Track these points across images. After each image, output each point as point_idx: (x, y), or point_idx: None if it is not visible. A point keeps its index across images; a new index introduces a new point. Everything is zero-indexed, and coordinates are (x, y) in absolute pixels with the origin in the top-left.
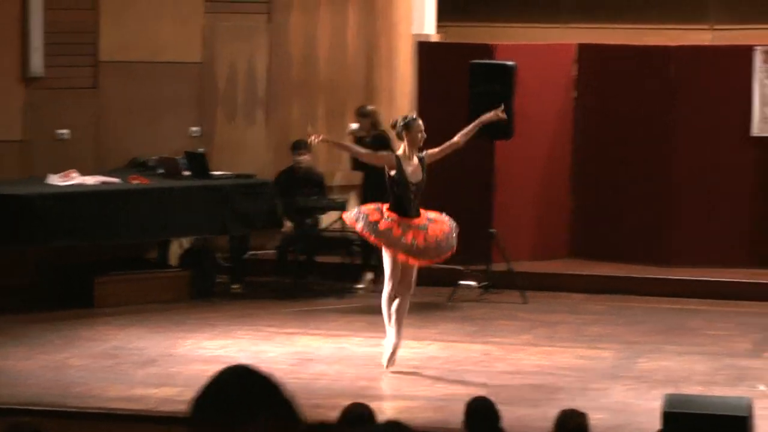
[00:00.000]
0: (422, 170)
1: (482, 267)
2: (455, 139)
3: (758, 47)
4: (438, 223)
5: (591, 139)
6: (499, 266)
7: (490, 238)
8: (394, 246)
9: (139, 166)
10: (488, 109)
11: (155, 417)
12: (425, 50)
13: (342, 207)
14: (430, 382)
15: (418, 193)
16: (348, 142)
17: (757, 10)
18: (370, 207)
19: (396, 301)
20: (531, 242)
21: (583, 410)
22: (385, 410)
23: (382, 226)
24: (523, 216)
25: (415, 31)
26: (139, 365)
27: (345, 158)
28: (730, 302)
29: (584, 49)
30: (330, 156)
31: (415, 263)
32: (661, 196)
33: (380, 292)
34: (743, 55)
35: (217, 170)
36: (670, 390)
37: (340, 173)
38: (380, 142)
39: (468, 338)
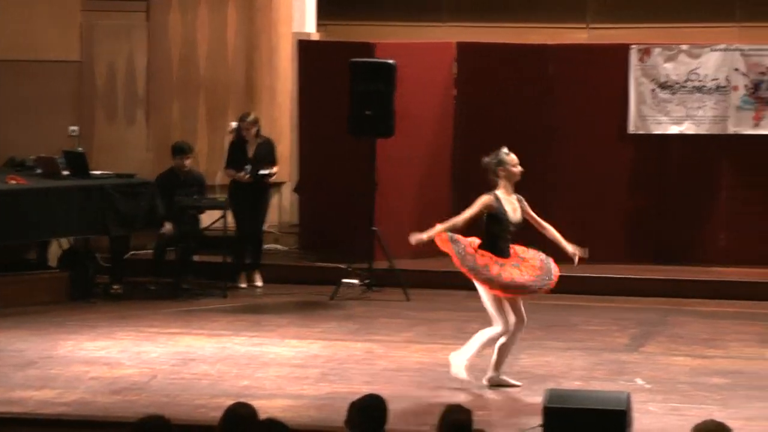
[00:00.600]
0: (520, 211)
1: (365, 265)
2: (541, 226)
3: (634, 46)
4: (530, 259)
5: (471, 136)
6: (381, 264)
7: (372, 236)
8: (491, 282)
9: (16, 165)
10: (369, 108)
11: (35, 420)
12: (306, 49)
13: (223, 206)
14: (312, 380)
15: (514, 234)
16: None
17: (633, 10)
18: (465, 240)
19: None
20: None
21: (466, 407)
22: (268, 409)
23: (480, 262)
24: (404, 214)
25: (296, 29)
26: (19, 367)
27: (226, 157)
28: (608, 298)
29: (464, 48)
30: (211, 155)
31: (516, 297)
32: (541, 193)
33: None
34: (619, 54)
35: (96, 170)
36: (551, 385)
37: (221, 172)
38: (267, 148)
39: (351, 336)
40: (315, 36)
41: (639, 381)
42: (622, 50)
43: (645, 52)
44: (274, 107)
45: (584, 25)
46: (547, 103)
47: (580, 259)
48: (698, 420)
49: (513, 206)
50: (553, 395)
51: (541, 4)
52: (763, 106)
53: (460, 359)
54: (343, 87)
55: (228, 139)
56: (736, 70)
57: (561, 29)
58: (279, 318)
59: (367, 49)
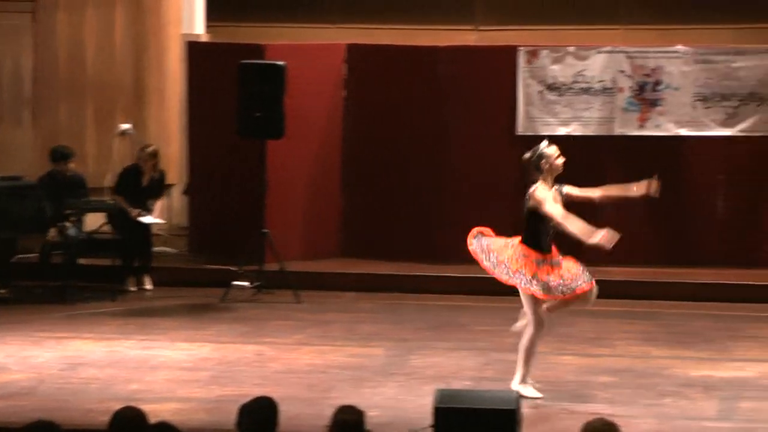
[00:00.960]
0: (561, 203)
1: (255, 267)
2: (596, 194)
3: (522, 48)
4: (569, 260)
5: (361, 138)
6: (271, 266)
7: (262, 238)
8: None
9: None
10: (259, 110)
11: None
12: (195, 50)
13: (111, 208)
14: (203, 383)
15: (555, 229)
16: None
17: (521, 12)
18: (498, 244)
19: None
20: (303, 242)
21: (358, 408)
22: (158, 413)
23: (528, 272)
24: (295, 216)
25: (185, 31)
26: None
27: (115, 159)
28: (497, 298)
29: (353, 50)
30: (99, 157)
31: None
32: (430, 195)
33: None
34: (508, 56)
35: None
36: (441, 386)
37: (110, 174)
38: (159, 184)
39: (241, 339)
40: (204, 37)
41: (528, 380)
42: (510, 52)
43: (533, 54)
44: (163, 109)
45: (473, 27)
46: (437, 104)
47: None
48: (586, 419)
49: (558, 199)
50: (443, 395)
51: (430, 6)
52: (647, 107)
53: (518, 383)
54: (233, 89)
55: (117, 141)
56: (622, 72)
57: (450, 31)
58: (169, 321)
59: (257, 50)
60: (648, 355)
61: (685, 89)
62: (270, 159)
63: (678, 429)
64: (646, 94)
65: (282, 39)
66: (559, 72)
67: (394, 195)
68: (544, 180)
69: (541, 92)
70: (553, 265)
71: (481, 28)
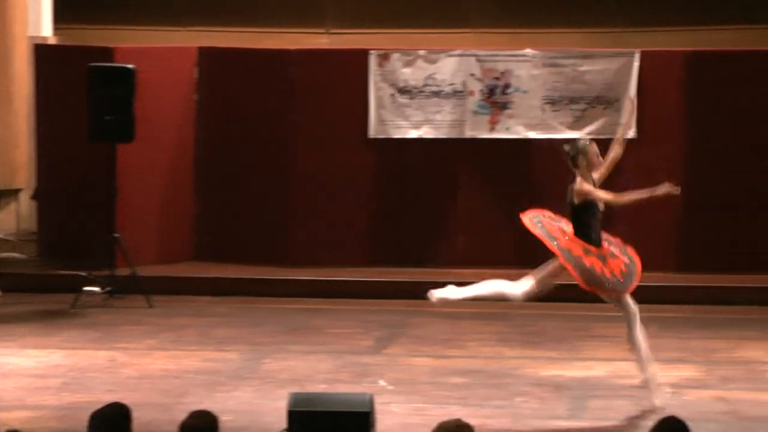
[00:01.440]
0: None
1: (106, 272)
2: (616, 152)
3: (373, 51)
4: (619, 258)
5: (213, 141)
6: (123, 271)
7: (113, 242)
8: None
9: None
10: (108, 113)
11: None
12: (42, 53)
13: None
14: (54, 391)
15: (602, 221)
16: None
17: (372, 15)
18: (556, 227)
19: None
20: (156, 246)
21: (211, 412)
22: (8, 421)
23: (587, 262)
24: (147, 220)
25: (32, 33)
26: None
27: None
28: (352, 301)
29: (204, 53)
30: None
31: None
32: (283, 198)
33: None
34: (359, 59)
35: None
36: (296, 389)
37: None
38: None
39: (93, 345)
40: (52, 40)
41: (382, 382)
42: (362, 55)
43: (384, 58)
44: (10, 112)
45: (324, 30)
46: (288, 108)
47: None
48: (439, 420)
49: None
50: (297, 399)
51: (281, 9)
52: (498, 110)
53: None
54: (82, 92)
55: None
56: (472, 75)
57: (301, 34)
58: (18, 327)
59: (106, 53)
60: (500, 355)
61: (534, 92)
62: (120, 163)
63: (529, 428)
64: (496, 98)
65: (132, 42)
66: (410, 75)
67: (247, 198)
68: (583, 176)
69: (392, 95)
70: (601, 259)
71: (332, 31)
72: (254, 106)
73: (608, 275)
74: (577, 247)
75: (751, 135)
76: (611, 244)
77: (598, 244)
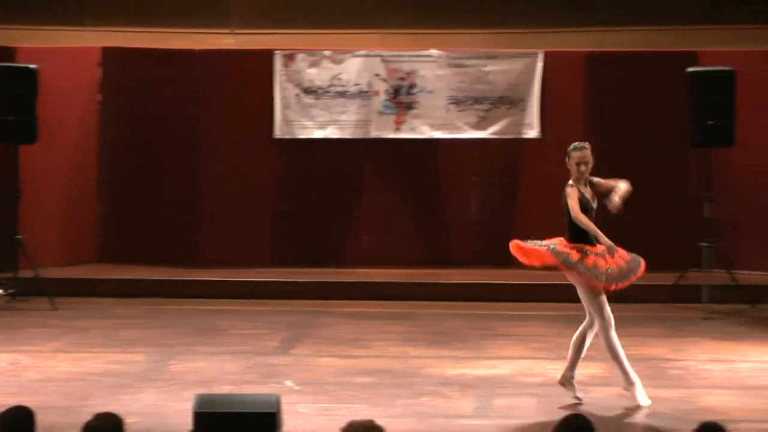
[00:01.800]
0: (593, 197)
1: (9, 274)
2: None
3: (278, 51)
4: (619, 251)
5: (118, 142)
6: (26, 273)
7: (16, 244)
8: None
9: None
10: (10, 114)
11: None
12: None
13: None
14: None
15: (597, 222)
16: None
17: (277, 16)
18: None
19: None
20: (59, 247)
21: (116, 414)
22: None
23: (589, 261)
24: (50, 221)
25: None
26: None
27: None
28: (258, 301)
29: (108, 53)
30: None
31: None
32: (189, 199)
33: None
34: (264, 59)
35: None
36: (202, 390)
37: None
38: None
39: None
40: None
41: (288, 383)
42: (267, 56)
43: (289, 58)
44: None
45: (229, 31)
46: (194, 108)
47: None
48: (346, 419)
49: (589, 193)
50: (203, 400)
51: (186, 9)
52: (403, 110)
53: (632, 386)
54: None
55: None
56: (377, 75)
57: (206, 34)
58: None
59: (8, 53)
60: (406, 355)
61: (439, 93)
62: (23, 164)
63: (436, 427)
64: (402, 98)
65: (34, 41)
66: (315, 75)
67: (151, 199)
68: (575, 179)
69: (297, 96)
70: (601, 257)
71: (237, 31)
72: (159, 107)
73: (614, 267)
74: (574, 252)
75: (649, 134)
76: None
77: (594, 243)
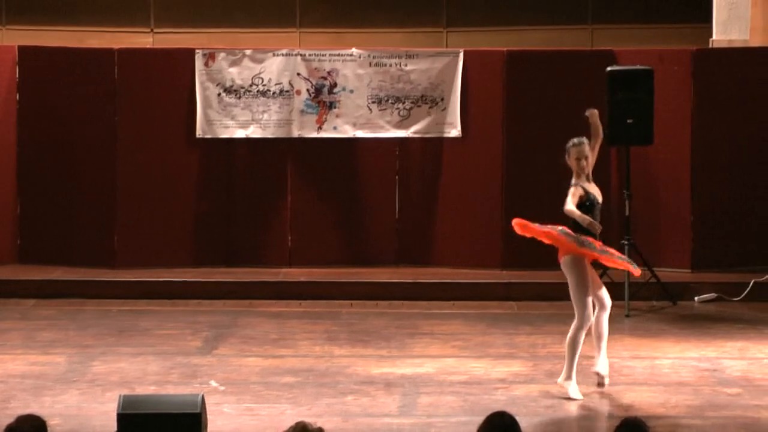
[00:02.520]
0: (600, 192)
1: None
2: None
3: (199, 50)
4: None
5: (36, 142)
6: None
7: None
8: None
9: None
10: None
11: None
12: None
13: None
14: None
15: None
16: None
17: (197, 15)
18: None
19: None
20: None
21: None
22: None
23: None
24: None
25: None
26: None
27: None
28: (181, 302)
29: (26, 52)
30: None
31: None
32: (110, 199)
33: None
34: (185, 59)
35: None
36: (125, 391)
37: None
38: None
39: None
40: None
41: (213, 383)
42: (188, 55)
43: (210, 57)
44: None
45: (149, 30)
46: (113, 108)
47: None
48: (271, 419)
49: (594, 187)
50: (126, 401)
51: (105, 8)
52: (325, 109)
53: (569, 381)
54: None
55: None
56: (299, 74)
57: (126, 33)
58: None
59: None
60: (330, 354)
61: (360, 91)
62: None
63: (361, 426)
64: (323, 97)
65: None
66: (236, 75)
67: (71, 199)
68: (577, 175)
69: (219, 95)
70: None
71: (157, 30)
72: (78, 106)
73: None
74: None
75: (568, 131)
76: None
77: (596, 238)
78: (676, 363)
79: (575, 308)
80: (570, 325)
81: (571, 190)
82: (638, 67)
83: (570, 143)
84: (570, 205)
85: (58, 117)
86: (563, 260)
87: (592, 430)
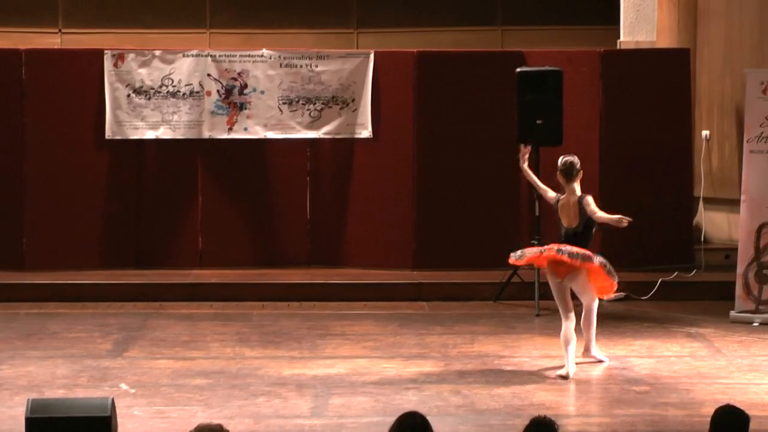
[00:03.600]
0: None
1: None
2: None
3: (108, 51)
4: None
5: None
6: None
7: None
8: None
9: None
10: None
11: None
12: None
13: None
14: None
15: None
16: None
17: (104, 15)
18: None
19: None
20: None
21: None
22: None
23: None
24: None
25: None
26: None
27: None
28: (89, 304)
29: None
30: None
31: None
32: (17, 201)
33: None
34: (94, 59)
35: None
36: (34, 395)
37: None
38: None
39: None
40: None
41: (123, 386)
42: (97, 55)
43: (119, 58)
44: None
45: (57, 30)
46: (21, 109)
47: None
48: (182, 422)
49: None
50: (35, 405)
51: (10, 8)
52: (235, 110)
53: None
54: None
55: None
56: (209, 75)
57: (33, 34)
58: None
59: None
60: (242, 355)
61: (270, 93)
62: None
63: (272, 428)
64: (234, 98)
65: None
66: (146, 75)
67: None
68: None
69: (128, 96)
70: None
71: (65, 31)
72: None
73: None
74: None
75: (479, 133)
76: None
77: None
78: (585, 362)
79: (590, 296)
80: (480, 325)
81: (587, 198)
82: (547, 68)
83: (578, 163)
84: (600, 211)
85: None
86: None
87: (503, 429)
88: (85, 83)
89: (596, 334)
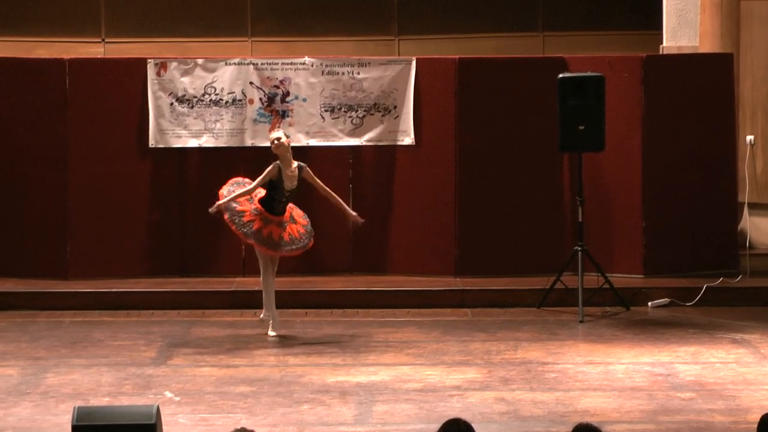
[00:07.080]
0: (297, 178)
1: None
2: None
3: (151, 60)
4: (297, 224)
5: None
6: None
7: None
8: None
9: None
10: None
11: None
12: None
13: None
14: None
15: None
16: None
17: (148, 25)
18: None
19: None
20: None
21: None
22: None
23: (255, 226)
24: None
25: None
26: None
27: None
28: (133, 312)
29: None
30: None
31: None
32: (62, 210)
33: None
34: (137, 68)
35: None
36: (79, 403)
37: None
38: None
39: None
40: None
41: (168, 394)
42: (139, 64)
43: (162, 66)
44: None
45: (100, 40)
46: (65, 118)
47: None
48: (225, 429)
49: (292, 174)
50: (80, 413)
51: (55, 18)
52: (278, 118)
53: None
54: None
55: None
56: (251, 83)
57: (76, 43)
58: None
59: None
60: (285, 363)
61: (312, 100)
62: None
63: None
64: (276, 106)
65: None
66: (188, 84)
67: (22, 211)
68: (282, 159)
69: (171, 104)
70: (280, 226)
71: (108, 40)
72: (29, 117)
73: (286, 238)
74: (258, 221)
75: (521, 139)
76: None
77: (280, 213)
78: (629, 368)
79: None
80: (522, 332)
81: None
82: (589, 73)
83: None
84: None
85: (8, 128)
86: None
87: None
88: (128, 92)
89: (641, 340)
